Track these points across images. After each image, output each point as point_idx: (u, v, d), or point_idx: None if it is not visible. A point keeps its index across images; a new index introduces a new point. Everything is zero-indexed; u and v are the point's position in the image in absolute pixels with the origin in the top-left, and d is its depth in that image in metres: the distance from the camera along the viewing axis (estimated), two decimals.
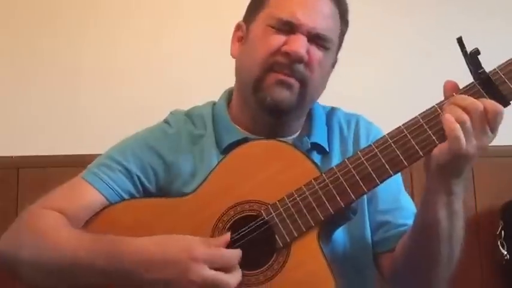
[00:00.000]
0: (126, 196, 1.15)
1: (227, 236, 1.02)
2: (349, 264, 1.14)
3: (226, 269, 0.97)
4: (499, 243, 1.88)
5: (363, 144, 1.22)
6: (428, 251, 1.05)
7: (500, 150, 1.94)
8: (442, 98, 1.01)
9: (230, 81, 1.26)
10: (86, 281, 1.02)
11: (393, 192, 1.20)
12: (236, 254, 0.99)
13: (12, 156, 1.86)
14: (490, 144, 1.88)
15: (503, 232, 1.89)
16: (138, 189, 1.17)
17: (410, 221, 1.12)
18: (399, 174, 1.20)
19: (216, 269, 0.96)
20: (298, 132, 1.24)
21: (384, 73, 2.04)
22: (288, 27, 1.14)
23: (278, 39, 1.13)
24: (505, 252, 1.88)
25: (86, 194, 1.13)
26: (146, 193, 1.18)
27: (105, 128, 1.87)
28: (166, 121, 1.26)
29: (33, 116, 1.91)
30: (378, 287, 1.23)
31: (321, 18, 1.15)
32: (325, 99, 1.28)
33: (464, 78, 1.00)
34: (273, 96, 1.13)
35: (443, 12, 2.07)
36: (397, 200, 1.21)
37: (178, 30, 1.98)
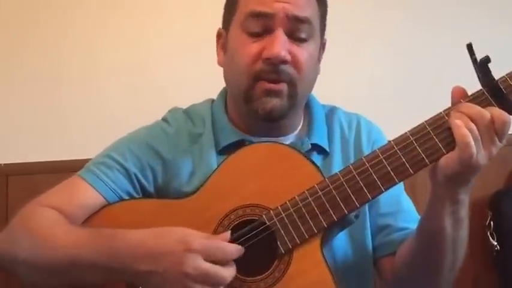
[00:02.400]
0: (125, 196, 1.13)
1: (227, 233, 0.99)
2: (350, 267, 1.13)
3: (222, 262, 0.95)
4: (488, 234, 1.89)
5: (365, 144, 1.21)
6: (432, 257, 1.04)
7: None
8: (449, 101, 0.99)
9: (217, 83, 1.25)
10: (88, 278, 1.00)
11: (395, 195, 1.17)
12: (235, 248, 0.97)
13: (1, 164, 1.85)
14: None
15: (492, 223, 1.90)
16: (136, 189, 1.15)
17: (411, 225, 1.11)
18: None
19: (213, 262, 0.94)
20: (297, 131, 1.22)
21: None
22: (263, 25, 1.09)
23: (256, 47, 1.10)
24: (495, 243, 1.89)
25: (84, 193, 1.11)
26: (144, 192, 1.16)
27: (93, 133, 1.85)
28: (165, 119, 1.24)
29: (20, 123, 1.89)
30: None
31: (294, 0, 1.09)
32: (328, 100, 1.29)
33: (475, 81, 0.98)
34: (263, 107, 1.10)
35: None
36: (398, 203, 1.19)
37: (165, 31, 1.97)
